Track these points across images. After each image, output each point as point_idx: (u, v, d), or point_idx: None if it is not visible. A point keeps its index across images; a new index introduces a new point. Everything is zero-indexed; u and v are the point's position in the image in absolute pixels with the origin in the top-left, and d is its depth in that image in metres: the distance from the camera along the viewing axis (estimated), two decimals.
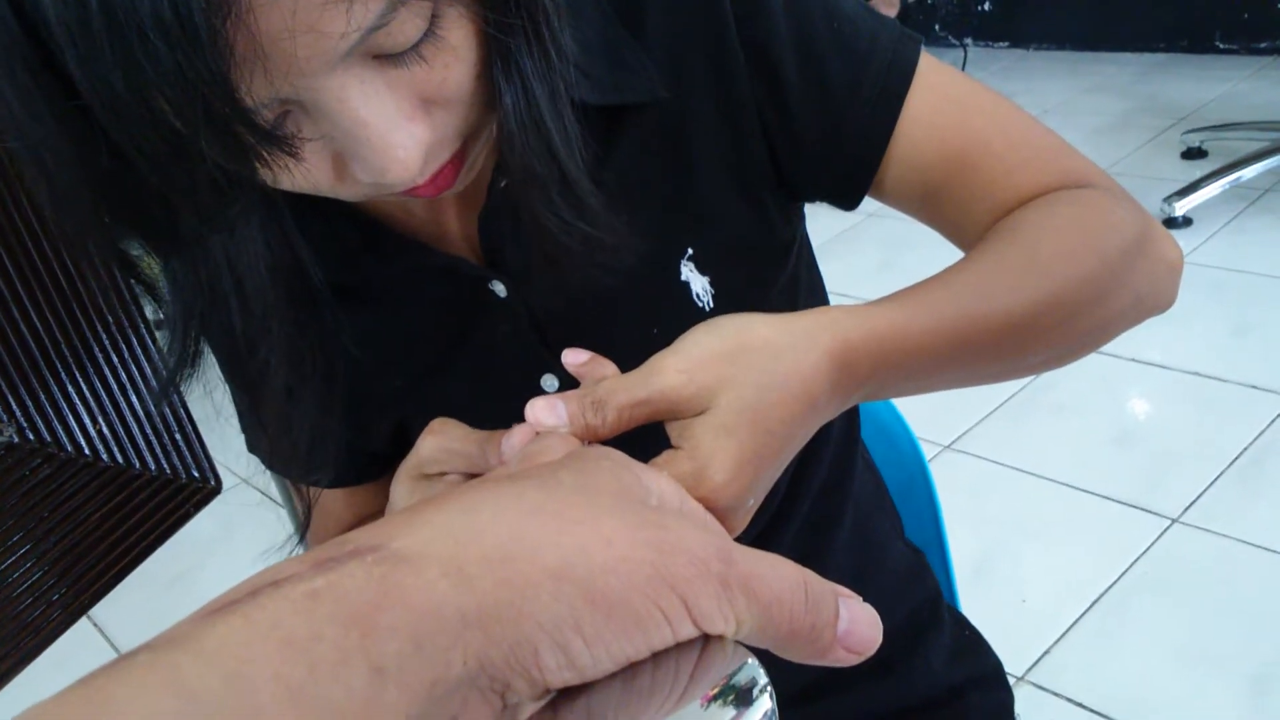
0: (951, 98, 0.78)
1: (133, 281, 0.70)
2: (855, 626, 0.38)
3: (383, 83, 0.56)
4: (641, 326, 0.77)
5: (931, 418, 2.52)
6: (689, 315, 0.78)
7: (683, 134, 0.76)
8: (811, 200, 0.83)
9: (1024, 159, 0.78)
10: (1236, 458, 2.28)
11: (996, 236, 0.74)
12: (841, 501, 0.94)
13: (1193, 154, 3.63)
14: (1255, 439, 2.32)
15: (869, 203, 0.82)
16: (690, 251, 0.78)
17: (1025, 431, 2.50)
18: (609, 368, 0.61)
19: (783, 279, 0.84)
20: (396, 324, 0.80)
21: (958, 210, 0.79)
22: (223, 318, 0.71)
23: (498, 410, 0.81)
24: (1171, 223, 3.17)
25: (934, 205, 0.80)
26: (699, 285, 0.78)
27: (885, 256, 3.38)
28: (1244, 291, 2.83)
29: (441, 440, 0.63)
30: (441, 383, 0.81)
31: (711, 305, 0.79)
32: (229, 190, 0.60)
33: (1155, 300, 0.78)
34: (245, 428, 0.88)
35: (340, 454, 0.80)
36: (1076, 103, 4.33)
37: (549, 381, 0.79)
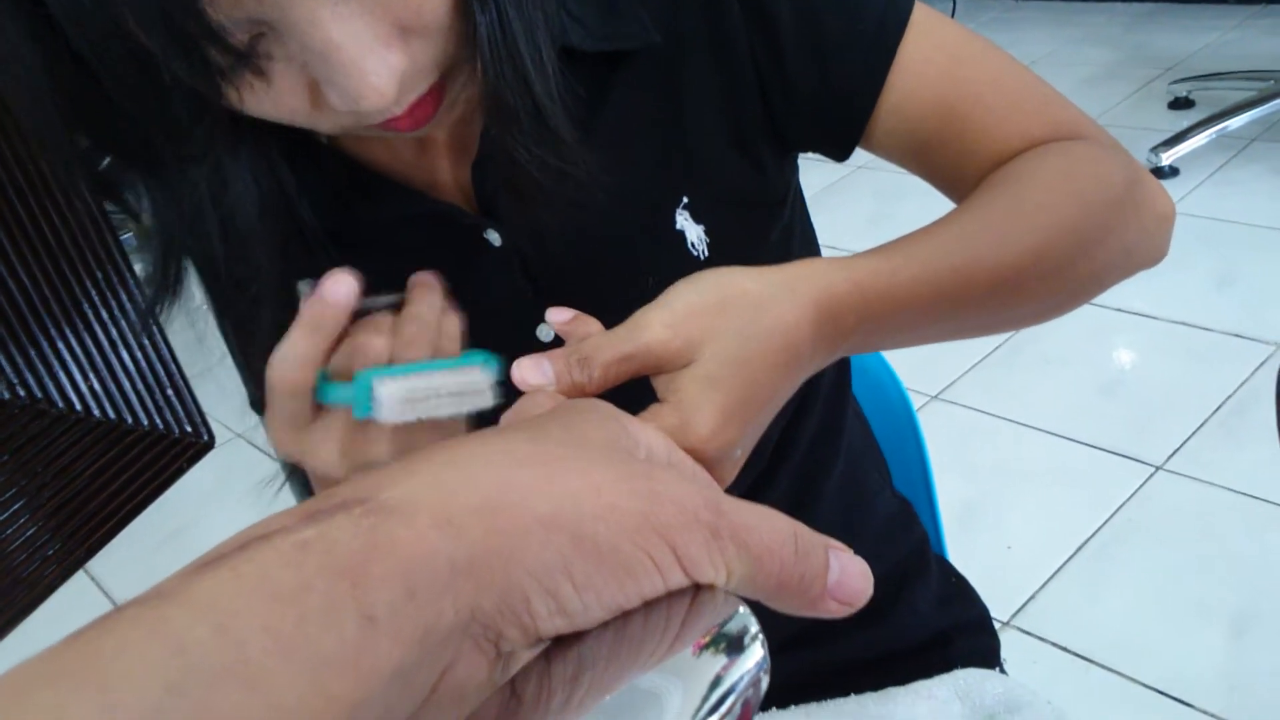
0: (944, 47, 0.77)
1: (108, 203, 0.70)
2: (846, 578, 0.38)
3: (358, 5, 0.56)
4: (636, 275, 0.77)
5: (919, 368, 2.53)
6: (684, 264, 0.78)
7: (677, 82, 0.76)
8: (804, 150, 0.83)
9: (1015, 110, 0.77)
10: (1220, 406, 2.29)
11: (985, 189, 0.74)
12: (832, 452, 0.94)
13: (1180, 104, 3.61)
14: (1239, 387, 2.33)
15: (860, 154, 0.82)
16: (685, 200, 0.78)
17: (1012, 381, 2.51)
18: (593, 325, 0.61)
19: (777, 230, 0.84)
20: (387, 273, 0.80)
21: (950, 161, 0.78)
22: (208, 250, 0.71)
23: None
24: (1158, 173, 3.17)
25: (926, 156, 0.79)
26: (694, 234, 0.78)
27: (877, 208, 3.37)
28: (1230, 241, 2.83)
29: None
30: None
31: (706, 254, 0.79)
32: (198, 112, 0.59)
33: (1146, 252, 0.78)
34: (244, 379, 0.89)
35: None
36: (1064, 53, 4.31)
37: (544, 331, 0.79)
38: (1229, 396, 2.31)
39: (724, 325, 0.57)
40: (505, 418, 0.55)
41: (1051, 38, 4.47)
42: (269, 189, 0.70)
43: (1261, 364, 2.38)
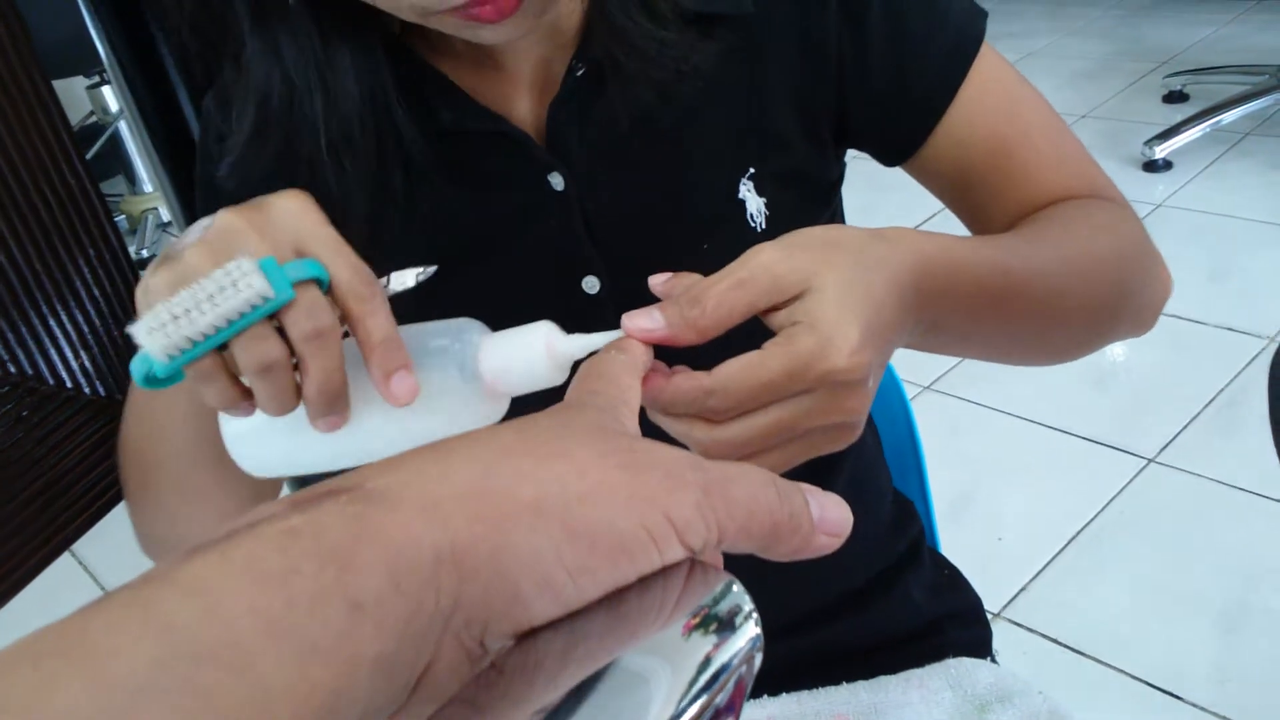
0: (1006, 86, 0.80)
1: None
2: (826, 511, 0.39)
3: None
4: (692, 238, 0.78)
5: (912, 358, 2.52)
6: (741, 234, 0.79)
7: (761, 55, 0.78)
8: (860, 146, 0.84)
9: (1058, 160, 0.80)
10: (1213, 399, 2.30)
11: (1037, 218, 0.77)
12: (841, 456, 0.94)
13: (1174, 97, 3.62)
14: (1231, 381, 2.34)
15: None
16: (751, 171, 0.79)
17: (1005, 372, 2.51)
18: (693, 276, 0.58)
19: (827, 216, 0.86)
20: (446, 204, 0.81)
21: (985, 194, 0.81)
22: (291, 124, 0.74)
23: (529, 308, 0.83)
24: (1152, 166, 3.18)
25: (964, 185, 0.81)
26: (754, 206, 0.79)
27: (869, 199, 3.37)
28: (1222, 235, 2.84)
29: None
30: (478, 271, 0.82)
31: (764, 227, 0.80)
32: None
33: (1147, 318, 0.81)
34: None
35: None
36: (1060, 45, 4.31)
37: (590, 283, 0.80)
38: (1221, 390, 2.32)
39: (837, 256, 0.55)
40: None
41: (1047, 30, 4.47)
42: (369, 76, 0.74)
43: (1254, 358, 2.39)
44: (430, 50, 0.79)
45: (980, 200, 0.81)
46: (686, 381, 0.53)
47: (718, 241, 0.71)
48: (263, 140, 0.76)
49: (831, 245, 0.56)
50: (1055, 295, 0.71)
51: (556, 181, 0.78)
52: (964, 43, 0.79)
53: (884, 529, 1.00)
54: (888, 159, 0.83)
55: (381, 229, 0.78)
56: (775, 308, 0.54)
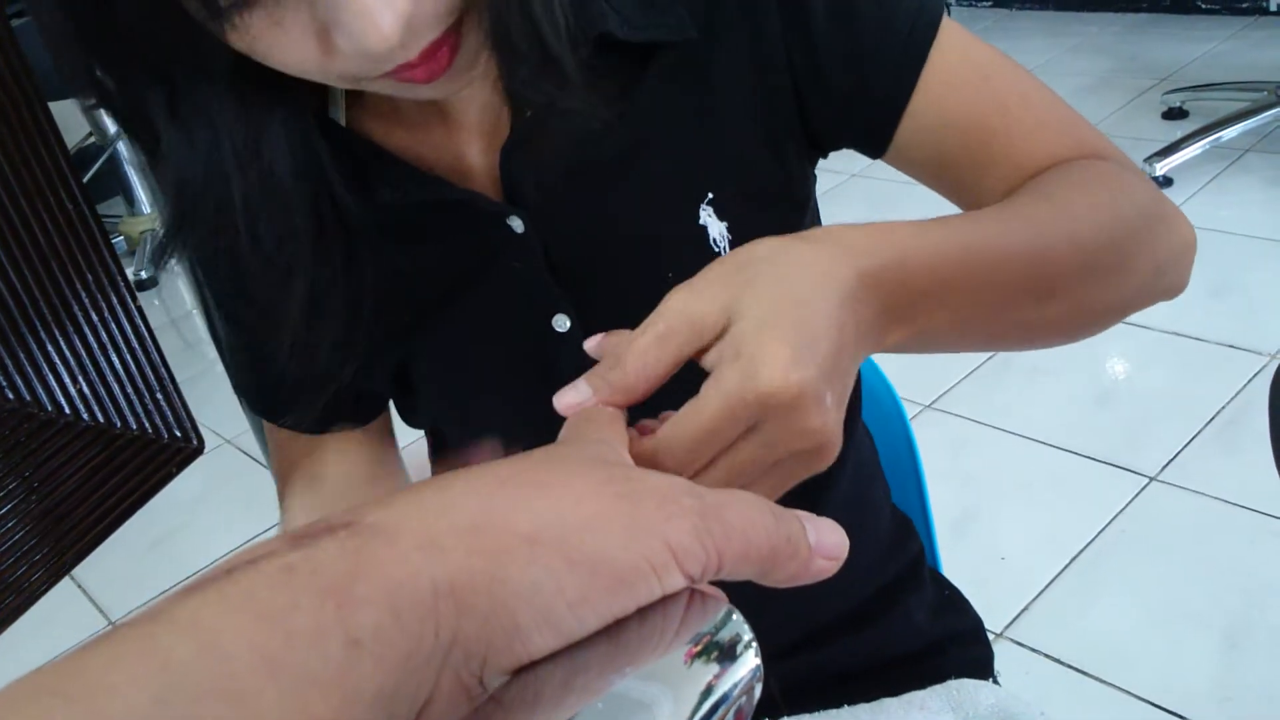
0: (973, 60, 0.78)
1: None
2: (822, 536, 0.39)
3: None
4: (656, 268, 0.77)
5: (913, 377, 2.53)
6: (704, 260, 0.76)
7: (710, 77, 0.76)
8: (838, 147, 0.82)
9: (1042, 127, 0.77)
10: (1214, 417, 2.30)
11: (1021, 192, 0.72)
12: (837, 469, 0.94)
13: (1174, 114, 3.63)
14: (1233, 398, 2.34)
15: (855, 161, 0.82)
16: (710, 196, 0.78)
17: (1005, 390, 2.51)
18: (625, 334, 0.56)
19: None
20: (407, 259, 0.80)
21: (970, 173, 0.78)
22: (226, 217, 0.71)
23: (504, 351, 0.82)
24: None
25: (946, 167, 0.79)
26: (716, 230, 0.78)
27: (869, 216, 3.38)
28: (1223, 251, 2.84)
29: None
30: (449, 321, 0.82)
31: (728, 251, 0.78)
32: (216, 53, 0.60)
33: (1174, 276, 0.76)
34: (239, 364, 0.90)
35: (348, 386, 0.80)
36: (1059, 62, 4.32)
37: (560, 321, 0.79)
38: (1223, 407, 2.32)
39: (753, 275, 0.52)
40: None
41: (1046, 47, 4.48)
42: (302, 149, 0.70)
43: (1255, 374, 2.38)
44: (373, 113, 0.78)
45: (967, 182, 0.78)
46: (634, 448, 0.49)
47: (682, 269, 0.69)
48: (196, 215, 0.73)
49: (745, 265, 0.53)
50: (1039, 259, 0.66)
51: (516, 224, 0.77)
52: (919, 26, 0.76)
53: (883, 545, 0.99)
54: (868, 152, 0.81)
55: (331, 294, 0.76)
56: (706, 348, 0.52)
